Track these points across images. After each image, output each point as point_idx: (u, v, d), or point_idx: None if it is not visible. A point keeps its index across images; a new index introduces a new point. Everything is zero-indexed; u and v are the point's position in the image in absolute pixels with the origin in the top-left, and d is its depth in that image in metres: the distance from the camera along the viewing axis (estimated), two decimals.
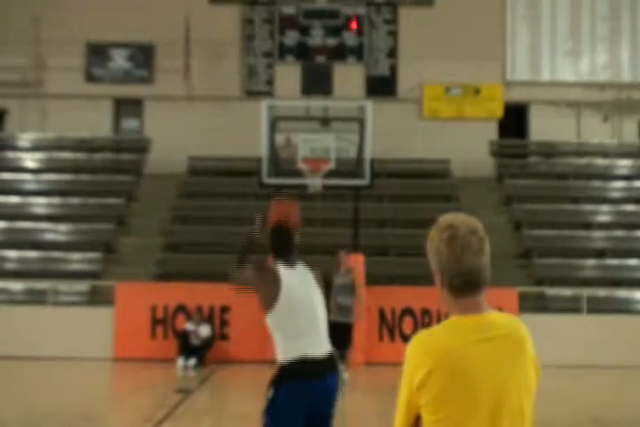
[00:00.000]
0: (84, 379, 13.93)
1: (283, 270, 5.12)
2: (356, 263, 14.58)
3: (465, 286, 2.67)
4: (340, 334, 12.76)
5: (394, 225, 20.13)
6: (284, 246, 5.18)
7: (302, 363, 4.94)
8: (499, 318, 2.71)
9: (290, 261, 5.19)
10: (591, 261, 18.99)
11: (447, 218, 2.79)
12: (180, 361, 15.00)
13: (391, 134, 21.24)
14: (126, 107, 23.29)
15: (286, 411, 4.90)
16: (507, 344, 2.67)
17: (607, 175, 22.04)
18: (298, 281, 5.10)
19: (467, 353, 2.62)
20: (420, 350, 2.66)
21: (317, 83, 19.32)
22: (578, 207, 20.79)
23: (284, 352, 4.99)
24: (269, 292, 5.00)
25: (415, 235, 19.26)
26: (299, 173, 15.91)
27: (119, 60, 22.87)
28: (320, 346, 5.03)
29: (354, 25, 22.40)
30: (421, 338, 2.70)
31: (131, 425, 9.78)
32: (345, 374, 12.70)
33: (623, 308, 17.53)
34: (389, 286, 16.30)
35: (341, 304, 13.06)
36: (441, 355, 2.62)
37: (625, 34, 23.15)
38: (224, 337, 15.80)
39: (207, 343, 15.32)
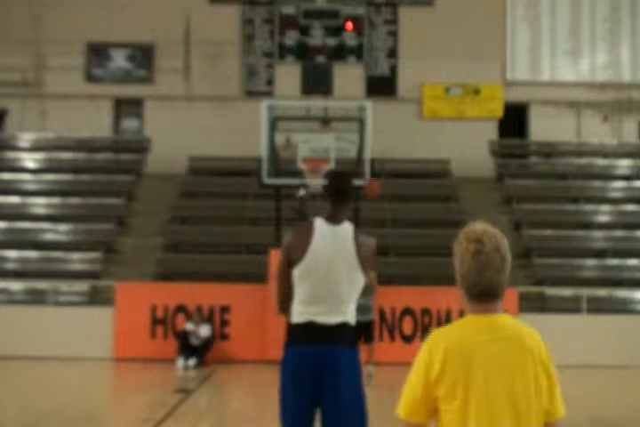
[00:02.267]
0: (84, 379, 13.93)
1: (318, 233, 4.95)
2: None
3: (481, 295, 2.94)
4: (363, 331, 13.03)
5: (394, 225, 20.12)
6: (333, 192, 5.06)
7: (307, 327, 4.89)
8: (509, 321, 2.97)
9: (336, 215, 5.04)
10: (591, 261, 18.99)
11: (476, 230, 2.98)
12: (180, 361, 15.00)
13: (391, 134, 21.24)
14: (126, 107, 23.28)
15: (289, 374, 4.87)
16: (514, 345, 2.91)
17: (607, 175, 22.03)
18: (328, 248, 4.91)
19: (478, 349, 2.88)
20: (435, 346, 2.91)
21: (317, 83, 19.32)
22: (578, 207, 20.79)
23: (295, 314, 4.95)
24: (296, 254, 4.91)
25: (415, 235, 19.34)
26: (299, 173, 15.91)
27: (119, 60, 22.87)
28: (332, 315, 4.91)
29: (349, 26, 22.39)
30: (437, 335, 2.96)
31: (131, 425, 9.78)
32: (370, 368, 13.03)
33: (623, 308, 17.53)
34: (389, 286, 16.29)
35: (359, 304, 13.13)
36: (455, 349, 2.87)
37: (625, 34, 23.15)
38: (224, 337, 15.79)
39: (207, 343, 15.32)
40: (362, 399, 4.92)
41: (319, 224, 5.01)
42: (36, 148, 22.44)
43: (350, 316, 5.01)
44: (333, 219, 5.03)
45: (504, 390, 2.86)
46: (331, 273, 4.91)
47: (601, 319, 16.07)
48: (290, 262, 4.96)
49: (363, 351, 13.53)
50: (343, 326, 4.94)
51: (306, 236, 4.95)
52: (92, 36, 22.61)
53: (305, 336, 4.88)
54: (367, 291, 13.17)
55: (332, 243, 4.95)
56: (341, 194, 5.07)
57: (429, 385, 2.89)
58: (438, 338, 2.94)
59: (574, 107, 22.94)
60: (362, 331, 13.15)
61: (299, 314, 4.93)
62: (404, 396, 2.96)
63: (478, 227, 2.98)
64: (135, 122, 23.36)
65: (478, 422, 2.84)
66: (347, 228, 5.04)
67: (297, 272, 4.92)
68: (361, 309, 13.32)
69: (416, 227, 19.62)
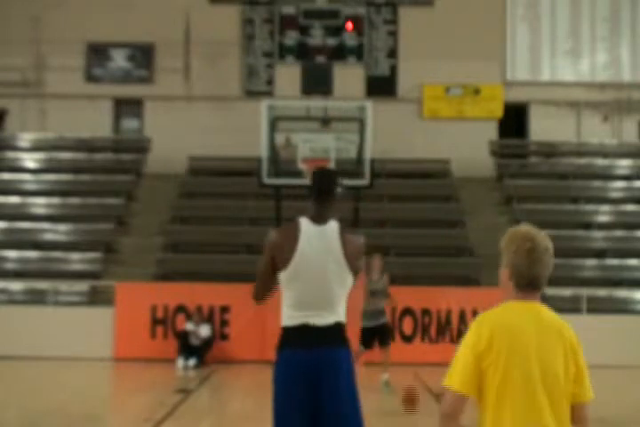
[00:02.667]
0: (84, 379, 13.93)
1: (304, 233, 4.85)
2: None
3: (528, 286, 3.44)
4: (378, 335, 12.83)
5: (393, 225, 20.12)
6: (317, 191, 4.98)
7: (300, 330, 4.79)
8: (547, 310, 3.45)
9: (321, 214, 4.94)
10: (591, 261, 18.99)
11: (528, 231, 3.44)
12: (180, 361, 15.00)
13: (391, 134, 21.23)
14: (126, 107, 23.28)
15: (282, 379, 4.76)
16: (550, 330, 3.39)
17: (607, 175, 22.03)
18: (315, 249, 4.82)
19: (520, 329, 3.33)
20: (482, 325, 3.34)
21: (317, 83, 19.30)
22: (578, 207, 20.79)
23: (285, 318, 4.84)
24: (283, 255, 4.81)
25: (415, 235, 19.34)
26: (299, 173, 15.91)
27: (119, 60, 22.87)
28: (324, 317, 4.81)
29: (349, 26, 22.39)
30: (484, 316, 3.41)
31: (131, 425, 9.78)
32: (385, 375, 12.56)
33: (623, 308, 17.53)
34: (389, 286, 16.26)
35: (378, 308, 12.92)
36: (500, 329, 3.32)
37: (625, 34, 23.15)
38: (224, 337, 15.80)
39: (207, 343, 15.32)
40: (358, 399, 4.90)
41: (305, 224, 4.91)
42: (35, 148, 22.44)
43: (342, 316, 4.91)
44: (319, 218, 4.93)
45: (539, 369, 3.29)
46: (320, 274, 4.82)
47: (601, 319, 16.06)
48: (275, 265, 4.86)
49: (365, 355, 13.42)
50: (337, 327, 4.86)
51: (292, 237, 4.85)
52: (92, 36, 22.61)
53: (299, 340, 4.78)
54: (382, 295, 13.12)
55: (319, 243, 4.85)
56: (325, 193, 4.99)
57: (477, 358, 3.30)
58: (485, 319, 3.37)
59: (574, 107, 22.94)
60: (377, 334, 12.94)
61: (290, 317, 4.82)
62: (454, 369, 3.33)
63: (529, 228, 3.46)
64: (135, 122, 23.37)
65: (517, 397, 3.25)
66: (332, 226, 4.94)
67: (285, 275, 4.81)
68: (380, 313, 13.12)
69: (416, 227, 19.61)
